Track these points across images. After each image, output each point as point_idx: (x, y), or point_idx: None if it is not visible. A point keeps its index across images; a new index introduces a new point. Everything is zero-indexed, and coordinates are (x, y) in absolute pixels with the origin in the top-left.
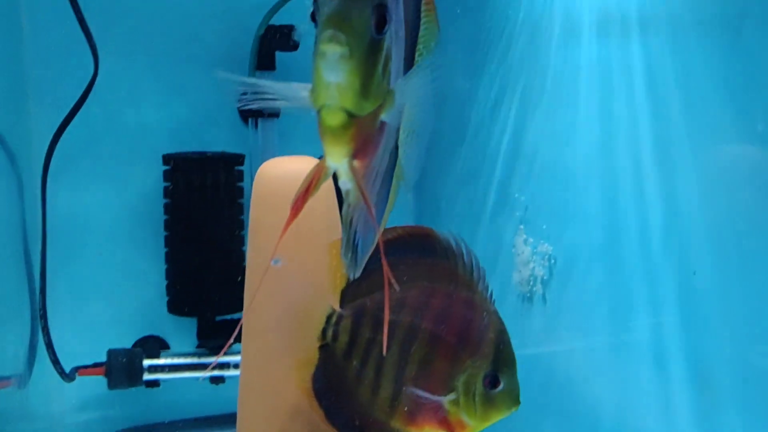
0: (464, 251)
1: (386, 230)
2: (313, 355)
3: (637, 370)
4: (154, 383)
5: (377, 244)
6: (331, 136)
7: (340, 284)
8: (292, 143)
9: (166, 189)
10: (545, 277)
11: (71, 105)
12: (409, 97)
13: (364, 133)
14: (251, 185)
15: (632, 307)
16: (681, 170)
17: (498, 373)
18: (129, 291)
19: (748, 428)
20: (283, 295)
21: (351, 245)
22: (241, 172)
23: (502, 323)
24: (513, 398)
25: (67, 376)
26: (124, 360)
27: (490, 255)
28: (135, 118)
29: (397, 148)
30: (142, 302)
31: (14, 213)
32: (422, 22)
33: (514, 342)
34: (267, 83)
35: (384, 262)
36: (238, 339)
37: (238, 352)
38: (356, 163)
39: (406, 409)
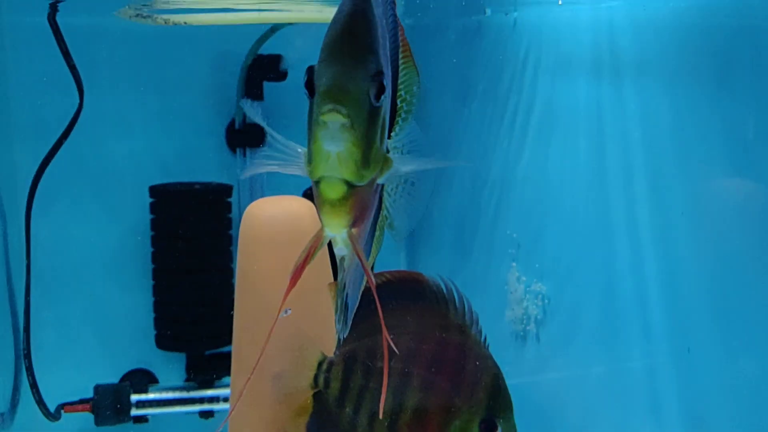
0: (456, 296)
1: (374, 275)
2: (308, 402)
3: (632, 413)
4: (142, 419)
5: (369, 292)
6: (330, 208)
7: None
8: (280, 173)
9: (153, 221)
10: (539, 317)
11: (56, 137)
12: (409, 166)
13: (363, 202)
14: (240, 215)
15: (628, 346)
16: (673, 209)
17: (495, 418)
18: (116, 325)
19: None
20: (274, 341)
21: (342, 308)
22: (229, 204)
23: (497, 367)
24: None
25: (53, 416)
26: (112, 395)
27: (481, 292)
28: (121, 150)
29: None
30: (130, 336)
31: None
32: (401, 66)
33: (508, 381)
34: (279, 138)
35: (379, 308)
36: (227, 371)
37: (227, 385)
38: (354, 230)
39: None
